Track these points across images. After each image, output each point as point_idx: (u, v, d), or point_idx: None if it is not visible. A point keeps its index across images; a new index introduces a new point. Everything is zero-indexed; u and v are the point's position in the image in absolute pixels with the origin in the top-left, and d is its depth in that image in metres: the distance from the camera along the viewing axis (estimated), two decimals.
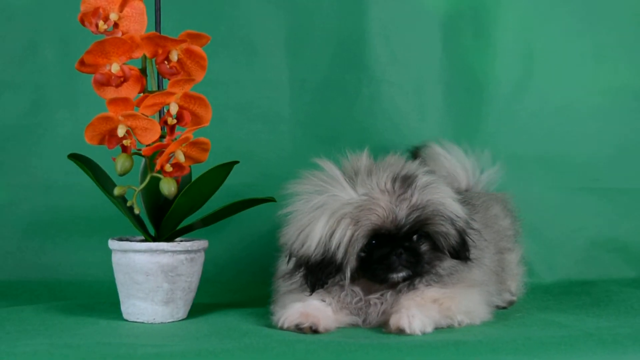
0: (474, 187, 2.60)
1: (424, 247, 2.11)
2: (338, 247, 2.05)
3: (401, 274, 2.08)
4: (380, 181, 2.08)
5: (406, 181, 2.08)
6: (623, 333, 1.98)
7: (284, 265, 2.17)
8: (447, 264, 2.13)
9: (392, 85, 2.87)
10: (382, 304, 2.10)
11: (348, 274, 2.07)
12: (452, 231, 2.10)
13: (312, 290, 2.09)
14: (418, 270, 2.09)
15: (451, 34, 2.90)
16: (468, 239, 2.13)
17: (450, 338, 1.93)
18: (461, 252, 2.12)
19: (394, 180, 2.08)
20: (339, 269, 2.06)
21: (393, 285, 2.10)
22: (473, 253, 2.15)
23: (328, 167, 2.13)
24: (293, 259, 2.11)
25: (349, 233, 2.05)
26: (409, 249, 2.08)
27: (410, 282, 2.10)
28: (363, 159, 2.14)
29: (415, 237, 2.09)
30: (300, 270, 2.10)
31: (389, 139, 2.83)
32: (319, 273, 2.07)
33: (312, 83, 2.86)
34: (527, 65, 2.91)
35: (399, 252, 2.07)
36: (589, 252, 2.91)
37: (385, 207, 2.05)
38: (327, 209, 2.07)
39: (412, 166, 2.14)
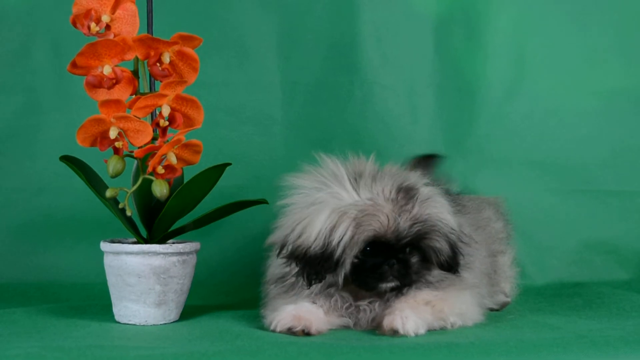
0: None
1: (414, 259, 2.10)
2: (338, 244, 2.04)
3: (390, 284, 2.08)
4: (385, 189, 2.07)
5: (409, 193, 2.08)
6: (614, 335, 1.98)
7: (273, 268, 2.17)
8: (437, 272, 2.13)
9: (384, 87, 2.87)
10: (371, 311, 2.10)
11: (342, 276, 2.06)
12: (446, 247, 2.10)
13: (310, 284, 2.07)
14: (406, 281, 2.09)
15: (443, 37, 2.90)
16: (459, 252, 2.12)
17: (442, 340, 1.93)
18: (453, 265, 2.11)
19: (398, 190, 2.07)
20: (335, 266, 2.05)
21: (380, 294, 2.10)
22: (463, 260, 2.15)
23: (333, 164, 2.13)
24: (288, 250, 2.08)
25: (349, 233, 2.04)
26: (401, 261, 2.08)
27: (398, 291, 2.10)
28: (368, 164, 2.13)
29: (408, 249, 2.09)
30: (296, 262, 2.08)
31: (380, 142, 2.83)
32: (317, 266, 2.05)
33: (304, 85, 2.86)
34: (518, 67, 2.92)
35: (391, 263, 2.07)
36: (581, 254, 2.91)
37: (389, 216, 2.05)
38: (329, 205, 2.06)
39: (414, 177, 2.13)
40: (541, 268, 2.88)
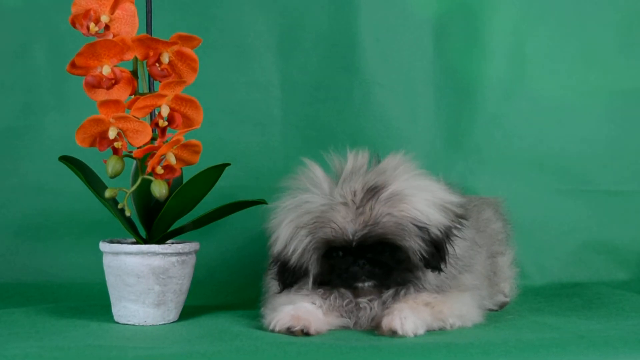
0: None
1: (396, 258, 2.08)
2: (294, 253, 2.08)
3: (367, 283, 2.08)
4: (348, 191, 2.07)
5: (371, 192, 2.06)
6: (614, 335, 1.98)
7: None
8: (431, 277, 2.11)
9: (383, 87, 2.87)
10: (371, 309, 2.10)
11: (311, 278, 2.09)
12: (419, 244, 2.06)
13: (282, 288, 2.12)
14: (388, 281, 2.09)
15: (442, 37, 2.90)
16: (448, 247, 2.10)
17: (442, 340, 1.93)
18: (432, 262, 2.08)
19: (359, 190, 2.07)
20: (304, 273, 2.08)
21: (372, 293, 2.10)
22: (464, 260, 2.13)
23: (312, 167, 2.14)
24: (271, 255, 2.15)
25: (305, 242, 2.07)
26: (372, 260, 2.07)
27: (395, 291, 2.09)
28: (349, 162, 2.13)
29: (380, 248, 2.07)
30: (274, 266, 2.13)
31: (380, 141, 2.83)
32: (285, 273, 2.10)
33: (303, 85, 2.86)
34: (517, 67, 2.92)
35: (361, 263, 2.07)
36: (580, 254, 2.91)
37: (339, 221, 2.05)
38: (294, 212, 2.09)
39: (393, 173, 2.11)
40: (541, 268, 2.88)
